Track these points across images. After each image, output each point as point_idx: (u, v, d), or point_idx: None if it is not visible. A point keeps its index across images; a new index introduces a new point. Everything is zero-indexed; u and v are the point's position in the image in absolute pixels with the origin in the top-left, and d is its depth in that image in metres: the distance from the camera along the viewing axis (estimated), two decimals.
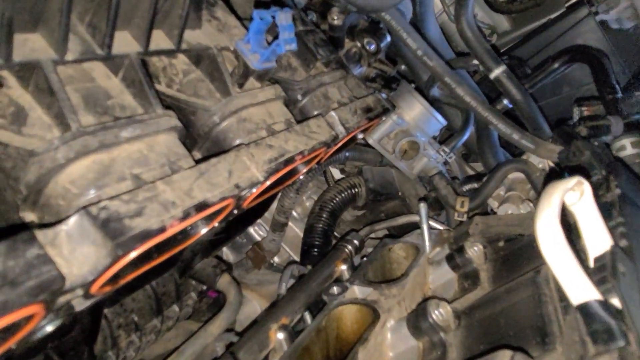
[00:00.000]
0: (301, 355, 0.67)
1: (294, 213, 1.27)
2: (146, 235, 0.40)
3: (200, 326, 0.88)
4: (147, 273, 0.74)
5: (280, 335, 0.71)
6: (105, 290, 0.43)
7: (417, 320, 0.68)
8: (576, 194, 0.42)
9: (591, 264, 0.43)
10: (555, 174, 0.72)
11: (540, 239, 0.40)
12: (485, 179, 1.08)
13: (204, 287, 0.94)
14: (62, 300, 0.37)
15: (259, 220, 1.26)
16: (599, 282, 0.39)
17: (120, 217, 0.39)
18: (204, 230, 0.54)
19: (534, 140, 0.91)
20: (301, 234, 1.22)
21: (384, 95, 1.10)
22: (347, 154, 1.21)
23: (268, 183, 0.58)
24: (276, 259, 1.24)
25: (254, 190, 0.55)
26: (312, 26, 0.87)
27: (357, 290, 0.79)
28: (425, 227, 0.91)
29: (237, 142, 0.60)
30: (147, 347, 0.88)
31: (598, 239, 0.43)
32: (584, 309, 0.38)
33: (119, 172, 0.44)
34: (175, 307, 0.88)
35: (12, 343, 0.37)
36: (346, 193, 1.17)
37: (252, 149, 0.56)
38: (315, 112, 0.78)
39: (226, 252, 1.24)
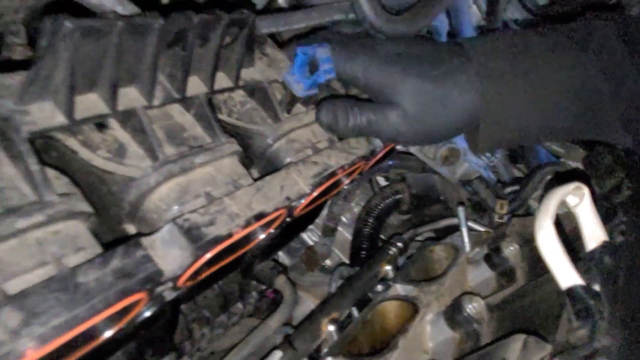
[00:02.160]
0: (349, 344, 0.75)
1: (344, 219, 1.36)
2: (217, 240, 0.51)
3: (259, 322, 0.99)
4: (216, 273, 0.86)
5: (331, 328, 0.81)
6: (188, 284, 0.55)
7: (452, 313, 0.76)
8: (576, 198, 0.49)
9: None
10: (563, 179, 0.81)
11: (537, 236, 0.47)
12: (523, 181, 1.12)
13: (264, 287, 1.05)
14: (158, 290, 0.49)
15: (311, 227, 1.37)
16: (585, 271, 0.46)
17: (198, 226, 0.50)
18: (262, 236, 0.65)
19: (563, 144, 0.96)
20: (350, 238, 1.31)
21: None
22: (390, 163, 1.29)
23: (315, 194, 0.68)
24: (328, 262, 1.34)
25: (302, 200, 0.66)
26: None
27: (400, 288, 0.87)
28: (464, 228, 0.97)
29: (287, 160, 0.70)
30: (216, 340, 1.00)
31: (595, 236, 0.50)
32: (570, 292, 0.46)
33: (194, 191, 0.55)
34: (239, 305, 0.99)
35: (124, 323, 0.48)
36: (390, 199, 1.25)
37: (299, 166, 0.67)
38: None
39: (282, 257, 1.36)
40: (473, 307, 0.74)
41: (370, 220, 1.22)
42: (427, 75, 0.70)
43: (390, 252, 1.01)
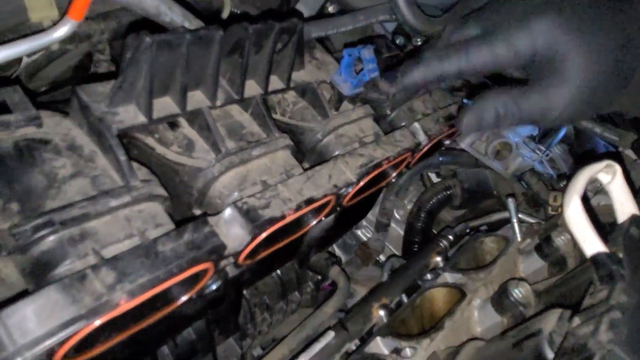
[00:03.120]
0: (398, 327, 0.80)
1: (397, 215, 1.39)
2: (272, 220, 0.58)
3: (313, 310, 1.05)
4: (274, 260, 0.93)
5: (381, 312, 0.85)
6: (247, 262, 0.62)
7: (500, 298, 0.78)
8: (608, 176, 0.51)
9: None
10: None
11: (565, 209, 0.50)
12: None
13: (319, 278, 1.11)
14: (222, 263, 0.56)
15: (365, 223, 1.42)
16: (613, 242, 0.48)
17: (255, 208, 0.58)
18: (313, 222, 0.71)
19: (616, 131, 0.94)
20: (403, 234, 1.34)
21: (470, 102, 1.19)
22: (441, 159, 1.31)
23: (361, 183, 0.74)
24: (382, 257, 1.38)
25: (350, 189, 0.71)
26: (397, 50, 1.01)
27: (448, 276, 0.90)
28: (514, 220, 0.98)
29: (336, 153, 0.76)
30: (276, 325, 1.07)
31: (625, 210, 0.51)
32: (594, 259, 0.48)
33: (252, 179, 0.63)
34: (297, 294, 1.06)
35: (194, 292, 0.56)
36: (442, 194, 1.27)
37: (346, 157, 0.72)
38: (402, 124, 0.91)
39: (338, 253, 1.42)
40: (519, 292, 0.75)
41: (422, 215, 1.25)
42: (598, 32, 0.58)
43: (441, 244, 1.04)
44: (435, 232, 1.30)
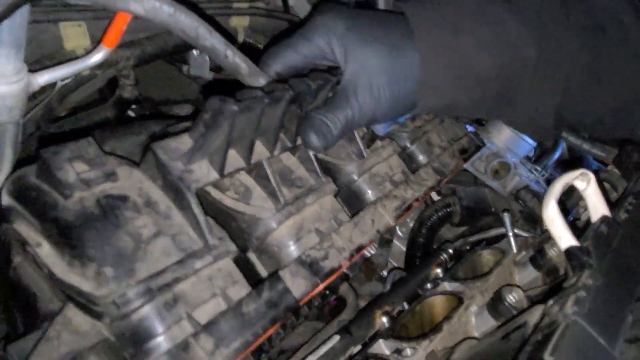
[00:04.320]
0: (400, 331, 0.84)
1: (399, 232, 1.45)
2: (332, 271, 0.65)
3: (323, 325, 1.10)
4: None
5: (384, 319, 0.90)
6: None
7: (495, 303, 0.83)
8: (584, 183, 0.57)
9: None
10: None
11: (543, 210, 0.56)
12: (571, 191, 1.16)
13: (327, 292, 1.15)
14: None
15: None
16: (584, 237, 0.54)
17: (317, 260, 0.63)
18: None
19: (602, 147, 1.00)
20: (405, 250, 1.39)
21: (472, 128, 1.26)
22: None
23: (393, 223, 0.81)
24: (385, 273, 1.43)
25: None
26: None
27: (447, 285, 0.95)
28: (510, 233, 1.04)
29: (369, 192, 0.83)
30: (286, 337, 1.11)
31: (598, 212, 0.58)
32: (567, 252, 0.54)
33: (307, 227, 0.67)
34: (305, 307, 1.11)
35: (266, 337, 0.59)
36: (442, 211, 1.33)
37: (384, 200, 0.80)
38: (421, 157, 1.00)
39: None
40: (513, 297, 0.80)
41: (423, 231, 1.31)
42: (377, 50, 0.67)
43: (441, 257, 1.09)
44: (435, 248, 1.35)
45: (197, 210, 0.55)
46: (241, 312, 0.52)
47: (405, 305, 0.97)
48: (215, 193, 0.62)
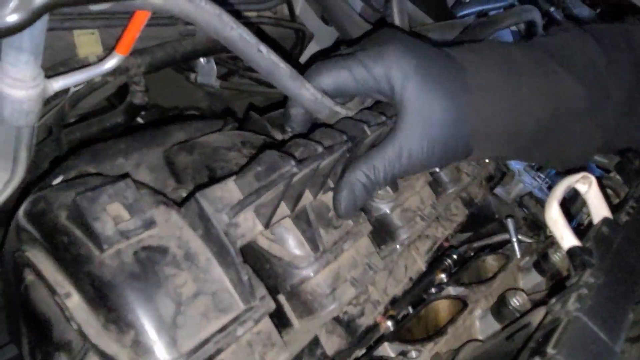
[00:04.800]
0: (404, 334, 0.85)
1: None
2: (367, 330, 0.65)
3: None
4: None
5: (389, 323, 0.91)
6: None
7: (498, 307, 0.84)
8: (585, 186, 0.59)
9: None
10: None
11: (545, 212, 0.58)
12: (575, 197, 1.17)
13: None
14: None
15: None
16: (586, 238, 0.56)
17: (353, 318, 0.63)
18: None
19: (606, 155, 1.02)
20: None
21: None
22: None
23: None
24: None
25: None
26: None
27: (452, 290, 0.96)
28: (514, 239, 1.05)
29: (400, 228, 0.79)
30: None
31: (599, 215, 0.59)
32: (569, 251, 0.55)
33: (342, 276, 0.63)
34: None
35: None
36: None
37: (417, 242, 0.79)
38: (447, 180, 0.95)
39: None
40: (517, 301, 0.81)
41: None
42: (440, 102, 0.63)
43: (445, 263, 1.10)
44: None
45: (241, 270, 0.50)
46: None
47: (410, 310, 0.97)
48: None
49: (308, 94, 0.62)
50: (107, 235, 0.45)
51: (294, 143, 0.57)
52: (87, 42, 0.82)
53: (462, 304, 0.89)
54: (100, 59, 0.73)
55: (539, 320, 0.56)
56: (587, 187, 0.64)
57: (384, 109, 0.69)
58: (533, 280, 0.99)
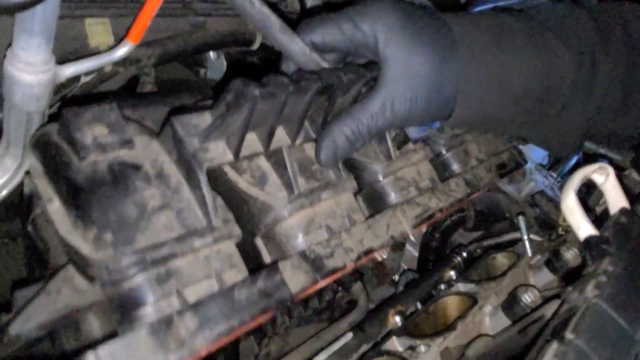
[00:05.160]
0: (412, 330, 0.84)
1: (412, 237, 1.43)
2: (334, 270, 0.62)
3: (330, 323, 1.09)
4: None
5: (397, 318, 0.90)
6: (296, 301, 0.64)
7: (510, 304, 0.83)
8: (602, 177, 0.58)
9: None
10: None
11: (562, 202, 0.57)
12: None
13: (339, 289, 1.15)
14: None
15: None
16: (603, 228, 0.55)
17: (320, 257, 0.61)
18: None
19: (621, 153, 1.00)
20: (417, 255, 1.39)
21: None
22: None
23: (411, 232, 0.77)
24: (396, 277, 1.42)
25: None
26: None
27: (461, 286, 0.95)
28: (525, 236, 1.03)
29: (392, 195, 0.79)
30: (292, 329, 1.10)
31: (617, 205, 0.58)
32: (586, 241, 0.54)
33: (317, 223, 0.65)
34: (316, 300, 1.11)
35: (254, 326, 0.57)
36: (456, 216, 1.32)
37: (405, 206, 0.76)
38: (455, 166, 0.94)
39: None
40: (529, 297, 0.80)
41: (437, 235, 1.30)
42: (424, 57, 0.64)
43: (454, 260, 1.09)
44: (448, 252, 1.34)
45: (205, 189, 0.55)
46: (232, 297, 0.52)
47: (419, 306, 0.96)
48: (232, 174, 0.62)
49: (297, 48, 0.65)
50: (85, 145, 0.52)
51: (266, 77, 0.59)
52: (98, 31, 0.82)
53: (472, 301, 0.88)
54: (111, 47, 0.73)
55: (553, 311, 0.55)
56: (604, 177, 0.63)
57: (369, 68, 0.70)
58: (544, 278, 0.97)
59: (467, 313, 0.82)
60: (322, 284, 0.61)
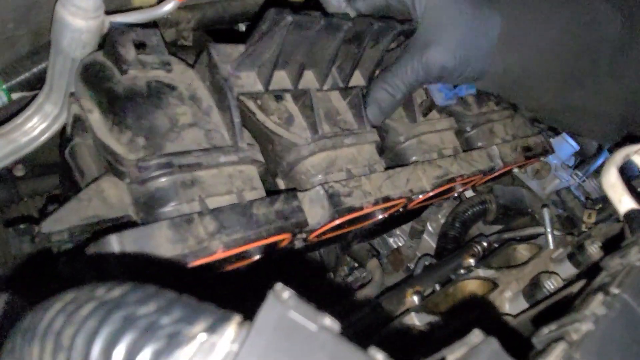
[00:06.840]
0: (430, 309, 0.84)
1: (429, 227, 1.43)
2: (351, 209, 0.63)
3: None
4: (327, 241, 0.96)
5: (415, 297, 0.89)
6: (313, 240, 0.67)
7: (532, 290, 0.82)
8: None
9: None
10: None
11: (602, 177, 0.57)
12: None
13: (355, 265, 1.16)
14: (298, 236, 0.62)
15: (398, 232, 1.45)
16: None
17: (339, 194, 0.62)
18: (380, 217, 0.74)
19: None
20: (434, 246, 1.38)
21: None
22: None
23: (431, 193, 0.77)
24: (412, 265, 1.42)
25: (420, 196, 0.75)
26: None
27: (481, 272, 0.94)
28: (548, 228, 1.02)
29: (413, 158, 0.80)
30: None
31: None
32: (627, 215, 0.54)
33: (338, 165, 0.67)
34: (331, 274, 1.12)
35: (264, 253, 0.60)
36: (477, 207, 1.32)
37: (425, 165, 0.76)
38: (480, 144, 0.92)
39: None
40: (551, 284, 0.79)
41: (457, 225, 1.30)
42: (460, 5, 0.67)
43: (474, 248, 1.08)
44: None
45: (235, 112, 0.59)
46: (250, 211, 0.54)
47: (437, 288, 0.96)
48: (260, 115, 0.65)
49: (334, 1, 0.70)
50: (127, 59, 0.57)
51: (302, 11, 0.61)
52: None
53: (492, 285, 0.87)
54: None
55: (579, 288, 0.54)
56: None
57: (401, 22, 0.72)
58: (566, 271, 0.95)
59: (487, 297, 0.82)
60: (338, 221, 0.62)
